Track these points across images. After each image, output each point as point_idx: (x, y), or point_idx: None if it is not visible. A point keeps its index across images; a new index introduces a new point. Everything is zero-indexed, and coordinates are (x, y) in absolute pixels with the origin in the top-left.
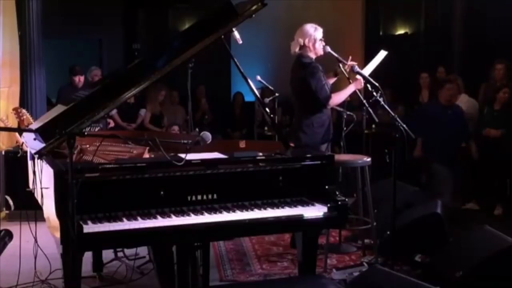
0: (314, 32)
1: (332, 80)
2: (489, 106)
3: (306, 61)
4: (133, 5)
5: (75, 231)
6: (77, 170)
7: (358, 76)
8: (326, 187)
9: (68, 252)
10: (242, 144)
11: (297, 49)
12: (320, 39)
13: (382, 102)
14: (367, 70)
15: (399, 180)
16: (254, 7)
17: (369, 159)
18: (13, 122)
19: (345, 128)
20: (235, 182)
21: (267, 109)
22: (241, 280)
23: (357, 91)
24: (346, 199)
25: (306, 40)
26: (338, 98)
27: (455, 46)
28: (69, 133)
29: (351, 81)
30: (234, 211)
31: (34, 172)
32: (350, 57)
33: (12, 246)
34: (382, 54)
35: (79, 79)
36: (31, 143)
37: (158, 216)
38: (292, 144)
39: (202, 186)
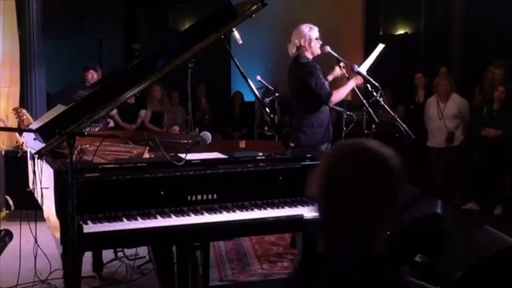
0: (309, 31)
1: (333, 76)
2: (488, 106)
3: (303, 61)
4: (133, 5)
5: (75, 231)
6: (77, 170)
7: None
8: None
9: (68, 252)
10: (242, 144)
11: (294, 50)
12: (316, 38)
13: (382, 102)
14: (366, 64)
15: None
16: (254, 7)
17: None
18: (13, 122)
19: (345, 128)
20: (235, 182)
21: (267, 109)
22: (241, 280)
23: (357, 91)
24: None
25: (302, 41)
26: (339, 94)
27: (455, 46)
28: (69, 133)
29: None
30: (234, 211)
31: (34, 172)
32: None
33: (12, 246)
34: (379, 48)
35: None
36: (31, 143)
37: (158, 216)
38: (292, 144)
39: (202, 186)
